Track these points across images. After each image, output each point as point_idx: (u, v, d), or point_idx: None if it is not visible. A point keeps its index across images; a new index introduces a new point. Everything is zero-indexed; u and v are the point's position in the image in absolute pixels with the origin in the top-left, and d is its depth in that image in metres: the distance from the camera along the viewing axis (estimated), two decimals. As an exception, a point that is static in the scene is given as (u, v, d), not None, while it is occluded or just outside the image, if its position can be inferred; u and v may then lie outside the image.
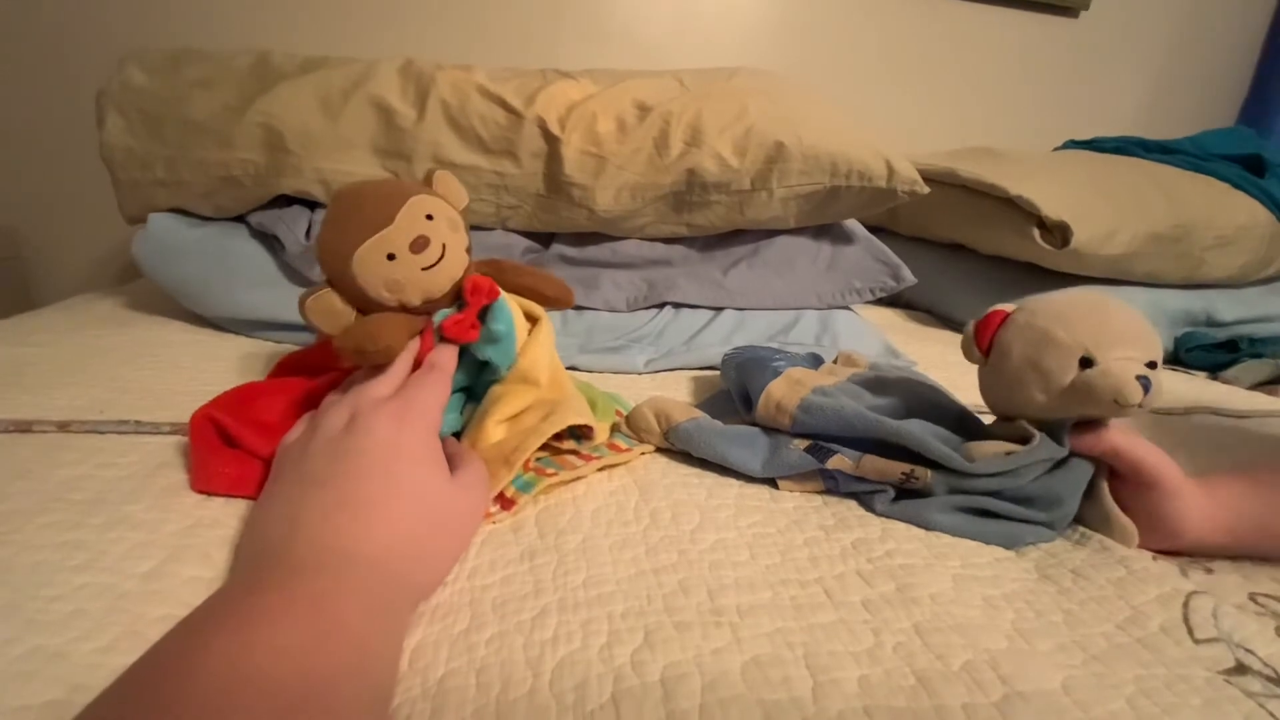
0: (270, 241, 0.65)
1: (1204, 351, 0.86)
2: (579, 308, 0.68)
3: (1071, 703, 0.23)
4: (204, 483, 0.33)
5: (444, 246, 0.33)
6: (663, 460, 0.42)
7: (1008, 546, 0.34)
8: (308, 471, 0.28)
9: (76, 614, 0.24)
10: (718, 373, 0.58)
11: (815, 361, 0.54)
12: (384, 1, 1.07)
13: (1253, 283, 0.96)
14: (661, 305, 0.70)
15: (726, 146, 0.64)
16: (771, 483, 0.39)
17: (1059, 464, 0.35)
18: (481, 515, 0.32)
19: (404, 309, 0.34)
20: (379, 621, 0.22)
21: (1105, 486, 0.35)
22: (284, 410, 0.36)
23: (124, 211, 0.68)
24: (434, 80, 0.65)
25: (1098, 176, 0.91)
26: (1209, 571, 0.33)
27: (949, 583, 0.30)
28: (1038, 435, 0.34)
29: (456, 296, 0.36)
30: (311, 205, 0.67)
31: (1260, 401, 0.66)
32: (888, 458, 0.37)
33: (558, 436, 0.37)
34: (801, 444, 0.39)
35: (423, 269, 0.33)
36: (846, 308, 0.74)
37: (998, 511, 0.35)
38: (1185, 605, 0.29)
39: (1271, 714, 0.23)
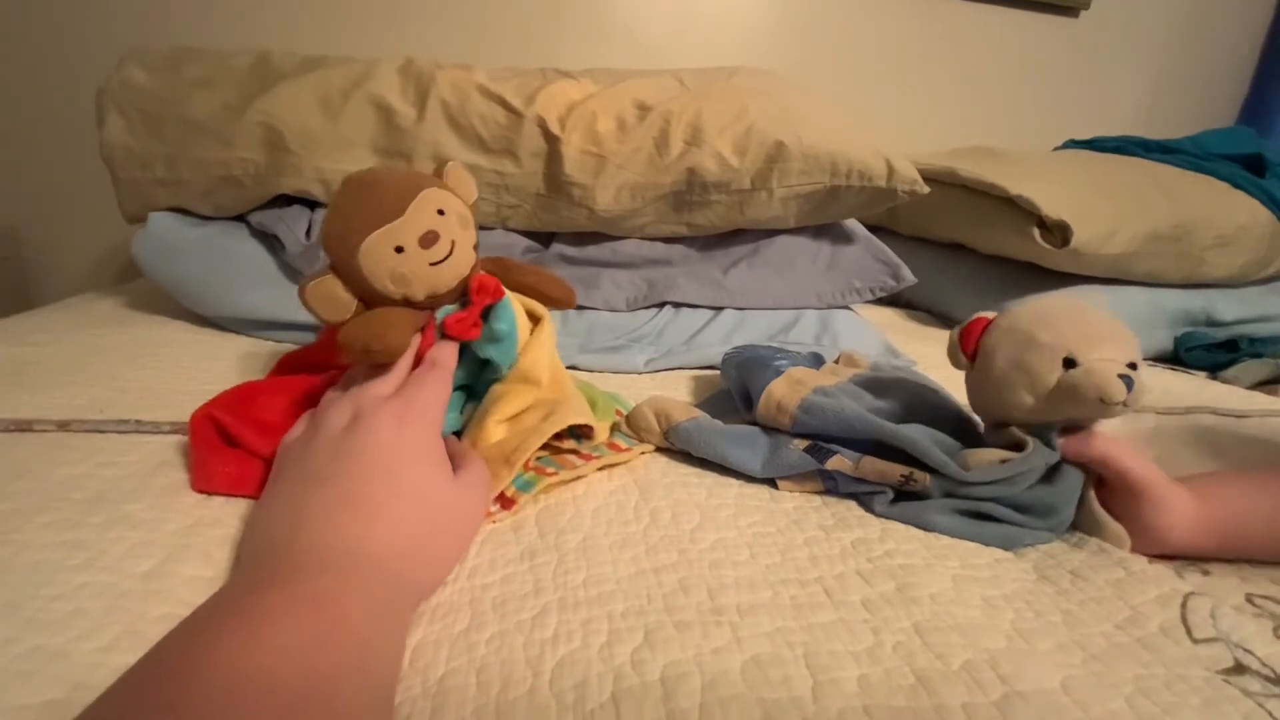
0: (270, 241, 0.65)
1: (1204, 351, 0.86)
2: (579, 307, 0.67)
3: (1071, 702, 0.23)
4: (204, 482, 0.33)
5: (453, 243, 0.33)
6: (663, 460, 0.42)
7: (1006, 548, 0.34)
8: (309, 470, 0.28)
9: (77, 613, 0.24)
10: (718, 372, 0.58)
11: (817, 361, 0.54)
12: (384, 1, 1.07)
13: (1253, 282, 0.95)
14: (661, 305, 0.70)
15: (727, 146, 0.64)
16: (771, 483, 0.39)
17: (1052, 473, 0.35)
18: (483, 515, 0.32)
19: (407, 302, 0.33)
20: (381, 621, 0.22)
21: (1093, 494, 0.35)
22: (285, 409, 0.36)
23: (124, 211, 0.68)
24: (434, 80, 0.65)
25: (1098, 176, 0.91)
26: (1205, 574, 0.33)
27: (948, 583, 0.30)
28: (1031, 442, 0.34)
29: (461, 293, 0.35)
30: (311, 205, 0.67)
31: (1260, 401, 0.66)
32: (887, 459, 0.37)
33: (558, 436, 0.37)
34: (801, 444, 0.39)
35: (430, 264, 0.32)
36: (846, 307, 0.74)
37: (995, 515, 0.35)
38: (1183, 606, 0.29)
39: (1270, 713, 0.24)
